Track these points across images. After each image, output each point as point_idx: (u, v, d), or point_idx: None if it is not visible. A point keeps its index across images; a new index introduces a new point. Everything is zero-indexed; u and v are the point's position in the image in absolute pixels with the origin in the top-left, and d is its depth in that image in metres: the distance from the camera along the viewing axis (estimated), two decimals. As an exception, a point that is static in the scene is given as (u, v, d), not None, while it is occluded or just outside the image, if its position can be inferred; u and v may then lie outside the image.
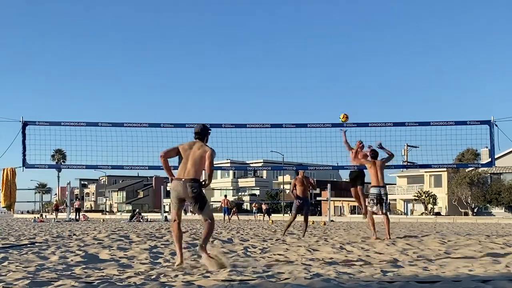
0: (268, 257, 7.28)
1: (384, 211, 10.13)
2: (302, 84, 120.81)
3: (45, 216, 47.74)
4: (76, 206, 37.44)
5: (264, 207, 40.93)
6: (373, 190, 10.20)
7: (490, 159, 14.10)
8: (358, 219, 38.75)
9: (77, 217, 35.43)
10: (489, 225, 25.06)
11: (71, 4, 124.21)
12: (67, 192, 43.21)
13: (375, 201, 10.09)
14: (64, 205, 71.58)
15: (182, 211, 6.49)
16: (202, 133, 6.54)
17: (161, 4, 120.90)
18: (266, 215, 38.01)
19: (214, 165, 7.25)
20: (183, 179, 6.22)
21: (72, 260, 6.84)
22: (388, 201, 10.19)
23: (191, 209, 6.45)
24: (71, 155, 14.46)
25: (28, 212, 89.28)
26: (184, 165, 6.36)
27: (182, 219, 6.61)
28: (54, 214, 38.45)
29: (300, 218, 12.77)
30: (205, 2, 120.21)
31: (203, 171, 6.35)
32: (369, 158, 10.37)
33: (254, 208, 43.21)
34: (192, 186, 6.15)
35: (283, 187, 65.51)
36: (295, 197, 12.18)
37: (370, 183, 10.58)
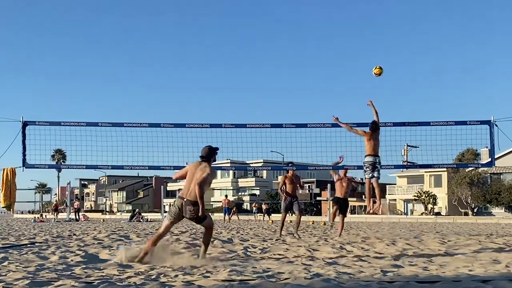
0: (268, 257, 7.28)
1: (376, 175, 10.16)
2: (302, 84, 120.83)
3: (45, 216, 47.71)
4: (76, 207, 37.39)
5: (264, 207, 40.81)
6: (368, 159, 10.19)
7: (490, 159, 14.11)
8: (358, 219, 38.76)
9: (77, 217, 35.39)
10: (489, 225, 25.06)
11: (71, 5, 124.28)
12: (67, 192, 43.19)
13: (370, 168, 10.12)
14: (64, 205, 71.60)
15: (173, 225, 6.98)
16: (207, 156, 6.90)
17: (161, 5, 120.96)
18: (266, 215, 37.93)
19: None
20: (185, 199, 6.65)
21: (72, 260, 6.84)
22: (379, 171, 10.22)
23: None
24: (71, 155, 14.47)
25: (29, 212, 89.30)
26: (188, 184, 6.79)
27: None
28: (53, 214, 38.37)
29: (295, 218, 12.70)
30: (205, 2, 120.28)
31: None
32: (367, 130, 10.39)
33: (254, 208, 43.14)
34: (191, 209, 6.58)
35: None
36: (284, 194, 12.18)
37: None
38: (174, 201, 6.82)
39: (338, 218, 12.52)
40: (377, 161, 10.19)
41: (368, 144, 10.22)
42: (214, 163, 6.97)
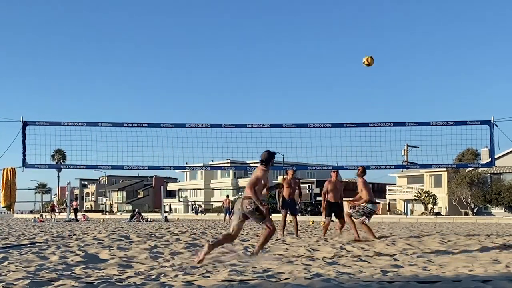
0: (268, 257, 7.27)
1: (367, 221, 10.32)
2: (302, 84, 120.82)
3: (45, 216, 47.69)
4: (74, 207, 37.22)
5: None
6: (371, 206, 10.30)
7: (490, 159, 14.12)
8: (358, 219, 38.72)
9: (76, 217, 35.23)
10: (489, 225, 25.05)
11: (72, 6, 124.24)
12: (67, 192, 43.12)
13: (368, 215, 10.29)
14: (64, 205, 71.50)
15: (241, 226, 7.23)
16: (266, 160, 7.27)
17: (162, 5, 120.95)
18: None
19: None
20: (242, 197, 7.19)
21: (72, 260, 6.84)
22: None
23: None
24: (71, 155, 14.51)
25: (31, 212, 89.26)
26: None
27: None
28: (51, 214, 38.15)
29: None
30: (205, 3, 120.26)
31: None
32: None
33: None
34: (246, 204, 6.97)
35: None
36: (280, 199, 11.73)
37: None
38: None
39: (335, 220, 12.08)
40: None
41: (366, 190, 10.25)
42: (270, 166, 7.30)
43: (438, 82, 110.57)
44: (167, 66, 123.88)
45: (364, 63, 10.82)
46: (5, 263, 6.38)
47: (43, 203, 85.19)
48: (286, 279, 4.97)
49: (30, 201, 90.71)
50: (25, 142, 13.25)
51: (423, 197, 52.96)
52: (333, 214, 11.48)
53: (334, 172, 11.67)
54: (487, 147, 19.63)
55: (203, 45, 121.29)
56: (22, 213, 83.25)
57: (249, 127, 13.49)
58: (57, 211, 41.84)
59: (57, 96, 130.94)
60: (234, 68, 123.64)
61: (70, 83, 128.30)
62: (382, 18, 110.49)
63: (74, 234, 13.10)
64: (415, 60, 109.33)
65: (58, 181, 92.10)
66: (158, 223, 27.80)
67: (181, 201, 76.00)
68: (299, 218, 12.56)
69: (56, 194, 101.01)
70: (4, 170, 13.98)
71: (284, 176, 12.24)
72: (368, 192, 10.04)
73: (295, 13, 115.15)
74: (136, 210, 39.06)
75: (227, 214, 31.03)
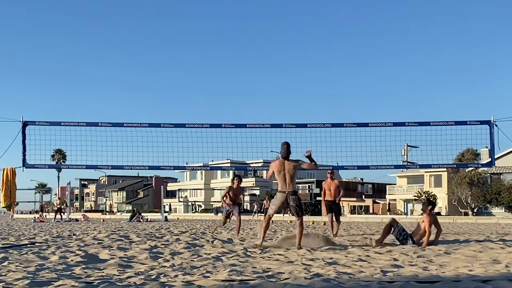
0: (268, 257, 7.27)
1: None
2: (303, 84, 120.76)
3: (45, 216, 47.67)
4: (58, 206, 36.77)
5: (266, 204, 38.80)
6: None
7: (490, 159, 14.12)
8: (358, 219, 38.74)
9: (60, 217, 34.30)
10: (489, 225, 25.04)
11: (72, 7, 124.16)
12: (67, 192, 43.07)
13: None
14: (64, 205, 71.38)
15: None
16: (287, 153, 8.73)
17: (164, 7, 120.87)
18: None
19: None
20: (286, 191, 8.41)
21: (72, 260, 6.83)
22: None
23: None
24: (71, 155, 14.55)
25: (30, 212, 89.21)
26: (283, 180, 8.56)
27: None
28: (56, 214, 37.83)
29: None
30: (207, 3, 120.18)
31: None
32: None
33: (254, 208, 42.65)
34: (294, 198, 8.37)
35: (283, 187, 65.33)
36: (227, 205, 12.23)
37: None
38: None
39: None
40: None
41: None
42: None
43: (438, 82, 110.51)
44: (167, 66, 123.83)
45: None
46: (5, 263, 6.37)
47: (43, 203, 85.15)
48: (286, 279, 4.97)
49: (30, 201, 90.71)
50: (25, 142, 13.25)
51: (423, 197, 52.96)
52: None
53: (329, 173, 12.25)
54: (487, 147, 19.64)
55: (204, 45, 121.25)
56: (22, 213, 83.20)
57: (249, 127, 13.49)
58: (45, 211, 41.41)
59: (57, 96, 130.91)
60: (234, 68, 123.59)
61: (71, 83, 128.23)
62: (382, 18, 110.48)
63: (74, 234, 13.10)
64: (415, 60, 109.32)
65: (58, 181, 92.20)
66: (158, 223, 27.81)
67: (181, 201, 75.99)
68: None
69: (56, 194, 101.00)
70: (4, 170, 13.98)
71: (231, 185, 12.60)
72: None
73: (297, 13, 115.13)
74: (135, 210, 38.97)
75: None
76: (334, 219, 11.95)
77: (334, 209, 11.99)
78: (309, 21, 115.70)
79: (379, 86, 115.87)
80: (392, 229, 9.24)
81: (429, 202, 9.29)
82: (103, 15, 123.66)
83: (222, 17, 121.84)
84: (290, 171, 8.53)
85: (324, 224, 23.69)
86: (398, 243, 9.10)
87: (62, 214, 35.24)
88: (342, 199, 12.22)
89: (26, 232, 14.61)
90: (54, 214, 37.16)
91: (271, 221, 9.23)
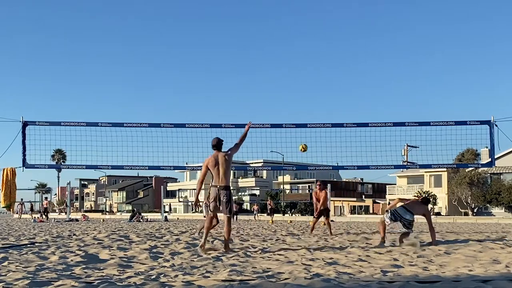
0: (268, 257, 7.27)
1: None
2: (303, 84, 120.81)
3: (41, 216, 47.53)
4: (45, 206, 36.34)
5: (270, 206, 37.80)
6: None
7: (490, 159, 14.13)
8: (358, 219, 38.73)
9: (47, 217, 33.78)
10: (489, 225, 25.04)
11: (72, 6, 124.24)
12: (67, 192, 43.01)
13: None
14: (64, 205, 71.30)
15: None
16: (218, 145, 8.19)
17: (166, 7, 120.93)
18: (271, 214, 35.36)
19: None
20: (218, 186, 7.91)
21: (72, 260, 6.83)
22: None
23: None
24: (71, 155, 14.54)
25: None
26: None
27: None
28: (31, 214, 37.27)
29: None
30: (208, 3, 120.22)
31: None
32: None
33: (254, 209, 42.28)
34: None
35: (283, 187, 65.46)
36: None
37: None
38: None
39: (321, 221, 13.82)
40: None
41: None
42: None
43: (438, 82, 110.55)
44: (167, 67, 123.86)
45: (300, 150, 12.44)
46: (5, 263, 6.37)
47: (43, 203, 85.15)
48: (286, 279, 4.97)
49: (30, 201, 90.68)
50: (25, 142, 13.25)
51: (423, 197, 52.98)
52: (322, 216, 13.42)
53: (318, 184, 13.51)
54: (487, 147, 19.63)
55: (204, 45, 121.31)
56: (27, 213, 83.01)
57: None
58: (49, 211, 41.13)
59: (57, 96, 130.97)
60: (235, 69, 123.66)
61: (71, 83, 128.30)
62: (382, 18, 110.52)
63: (74, 234, 13.10)
64: (415, 60, 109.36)
65: (58, 181, 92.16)
66: (158, 223, 27.81)
67: (181, 201, 75.94)
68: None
69: (56, 194, 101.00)
70: (4, 170, 13.99)
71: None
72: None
73: (296, 13, 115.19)
74: (135, 210, 38.78)
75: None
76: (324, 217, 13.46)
77: (325, 213, 13.41)
78: (309, 20, 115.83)
79: (379, 86, 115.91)
80: (386, 221, 9.46)
81: (426, 200, 9.78)
82: (103, 14, 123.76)
83: (221, 17, 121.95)
84: (224, 164, 8.09)
85: (324, 224, 23.70)
86: (405, 229, 9.41)
87: (47, 214, 34.78)
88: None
89: (26, 232, 14.61)
90: (40, 213, 36.14)
91: (214, 220, 8.63)
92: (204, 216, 12.60)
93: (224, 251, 7.87)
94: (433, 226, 9.59)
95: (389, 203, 59.01)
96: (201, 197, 8.71)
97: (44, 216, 33.83)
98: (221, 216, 8.24)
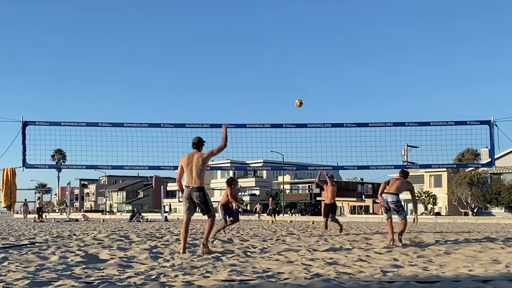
0: (268, 257, 7.27)
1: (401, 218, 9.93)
2: (303, 85, 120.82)
3: (45, 216, 47.60)
4: (37, 206, 35.92)
5: (271, 206, 36.23)
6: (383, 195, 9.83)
7: (490, 159, 14.10)
8: (359, 219, 38.73)
9: (40, 217, 33.36)
10: (489, 225, 25.05)
11: (72, 7, 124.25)
12: (67, 192, 42.98)
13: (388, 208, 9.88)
14: (64, 205, 71.32)
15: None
16: (199, 143, 8.09)
17: (166, 7, 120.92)
18: (272, 215, 34.24)
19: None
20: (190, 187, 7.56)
21: (72, 260, 6.83)
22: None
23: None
24: (71, 155, 14.48)
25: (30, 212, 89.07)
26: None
27: (182, 219, 6.98)
28: (36, 215, 36.99)
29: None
30: (208, 3, 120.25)
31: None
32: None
33: (257, 208, 41.22)
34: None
35: (283, 187, 65.46)
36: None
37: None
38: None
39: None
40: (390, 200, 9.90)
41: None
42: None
43: (438, 82, 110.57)
44: (167, 67, 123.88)
45: (296, 105, 12.48)
46: (5, 263, 6.38)
47: (43, 203, 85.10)
48: (286, 279, 4.97)
49: (30, 201, 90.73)
50: (25, 142, 13.23)
51: (423, 197, 52.96)
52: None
53: (330, 178, 13.66)
54: (487, 147, 19.61)
55: (204, 45, 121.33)
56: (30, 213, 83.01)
57: (249, 127, 13.47)
58: (45, 211, 40.83)
59: (57, 96, 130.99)
60: (235, 70, 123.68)
61: (71, 83, 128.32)
62: (382, 16, 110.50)
63: (74, 234, 13.10)
64: (415, 60, 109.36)
65: (58, 181, 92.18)
66: (158, 223, 27.81)
67: (181, 201, 75.92)
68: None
69: (56, 194, 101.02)
70: (4, 170, 13.97)
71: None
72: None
73: (295, 12, 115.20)
74: (135, 210, 38.67)
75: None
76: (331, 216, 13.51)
77: (333, 208, 13.54)
78: (309, 20, 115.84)
79: (379, 86, 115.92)
80: (386, 216, 9.87)
81: (404, 173, 9.95)
82: (103, 14, 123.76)
83: (221, 17, 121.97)
84: (198, 164, 7.82)
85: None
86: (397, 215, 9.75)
87: (41, 213, 34.30)
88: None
89: (26, 232, 14.61)
90: (36, 213, 35.25)
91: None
92: (220, 218, 12.62)
93: (202, 252, 7.59)
94: (416, 201, 10.00)
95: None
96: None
97: (38, 216, 33.31)
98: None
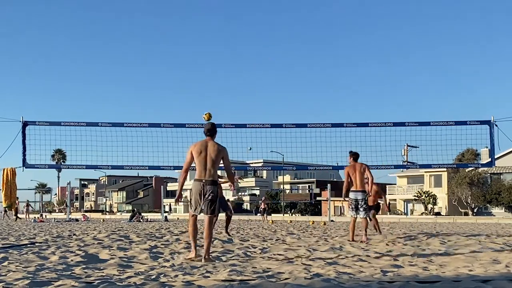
0: (268, 257, 7.27)
1: (362, 216, 9.82)
2: (303, 84, 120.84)
3: (45, 216, 47.60)
4: (16, 206, 34.83)
5: (262, 206, 33.76)
6: (351, 195, 9.79)
7: (490, 159, 14.13)
8: (358, 219, 38.66)
9: (16, 217, 32.72)
10: (489, 225, 25.05)
11: (72, 7, 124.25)
12: (67, 192, 42.99)
13: (353, 206, 9.85)
14: (64, 205, 71.30)
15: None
16: (213, 130, 6.94)
17: (168, 7, 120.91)
18: (265, 215, 33.59)
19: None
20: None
21: (72, 260, 6.83)
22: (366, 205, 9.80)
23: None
24: (71, 155, 14.54)
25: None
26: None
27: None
28: (26, 214, 36.69)
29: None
30: (208, 3, 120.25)
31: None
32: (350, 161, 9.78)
33: (261, 208, 39.12)
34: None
35: (283, 187, 65.45)
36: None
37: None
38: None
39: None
40: (360, 198, 9.72)
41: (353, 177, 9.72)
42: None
43: (438, 82, 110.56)
44: (167, 67, 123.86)
45: (205, 119, 12.18)
46: (5, 263, 6.37)
47: (43, 203, 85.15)
48: (286, 279, 4.97)
49: (30, 201, 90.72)
50: (25, 142, 13.25)
51: (423, 197, 52.97)
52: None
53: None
54: (487, 147, 19.60)
55: (204, 45, 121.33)
56: (23, 213, 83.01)
57: (249, 127, 13.49)
58: (30, 211, 40.54)
59: (57, 96, 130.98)
60: (235, 69, 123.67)
61: (71, 83, 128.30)
62: (382, 15, 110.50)
63: (74, 234, 13.10)
64: (415, 60, 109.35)
65: (58, 181, 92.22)
66: (158, 223, 27.81)
67: (181, 201, 75.83)
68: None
69: (56, 194, 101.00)
70: (4, 170, 13.99)
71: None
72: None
73: (295, 13, 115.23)
74: (135, 210, 38.65)
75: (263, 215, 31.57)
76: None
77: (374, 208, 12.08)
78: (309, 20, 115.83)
79: (379, 86, 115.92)
80: (352, 215, 9.79)
81: (354, 154, 9.71)
82: (104, 14, 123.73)
83: (221, 17, 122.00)
84: (213, 154, 6.57)
85: (324, 224, 23.68)
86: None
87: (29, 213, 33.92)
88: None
89: (26, 232, 14.61)
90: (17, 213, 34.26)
91: (197, 222, 6.90)
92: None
93: (204, 262, 6.36)
94: (373, 178, 9.72)
95: (389, 204, 58.70)
96: (186, 191, 8.08)
97: (15, 217, 32.31)
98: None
